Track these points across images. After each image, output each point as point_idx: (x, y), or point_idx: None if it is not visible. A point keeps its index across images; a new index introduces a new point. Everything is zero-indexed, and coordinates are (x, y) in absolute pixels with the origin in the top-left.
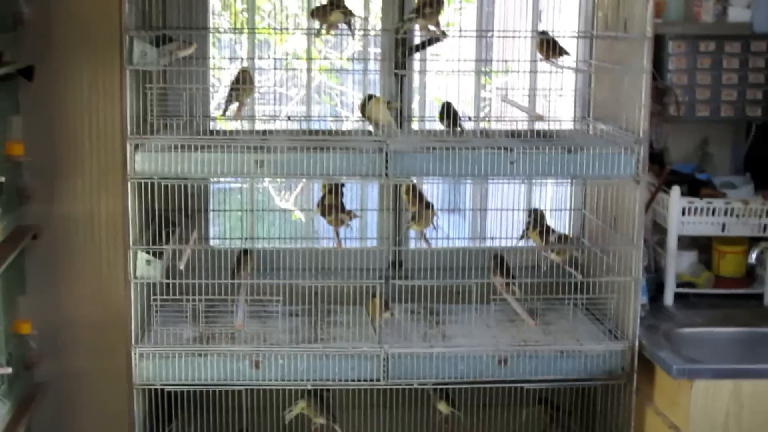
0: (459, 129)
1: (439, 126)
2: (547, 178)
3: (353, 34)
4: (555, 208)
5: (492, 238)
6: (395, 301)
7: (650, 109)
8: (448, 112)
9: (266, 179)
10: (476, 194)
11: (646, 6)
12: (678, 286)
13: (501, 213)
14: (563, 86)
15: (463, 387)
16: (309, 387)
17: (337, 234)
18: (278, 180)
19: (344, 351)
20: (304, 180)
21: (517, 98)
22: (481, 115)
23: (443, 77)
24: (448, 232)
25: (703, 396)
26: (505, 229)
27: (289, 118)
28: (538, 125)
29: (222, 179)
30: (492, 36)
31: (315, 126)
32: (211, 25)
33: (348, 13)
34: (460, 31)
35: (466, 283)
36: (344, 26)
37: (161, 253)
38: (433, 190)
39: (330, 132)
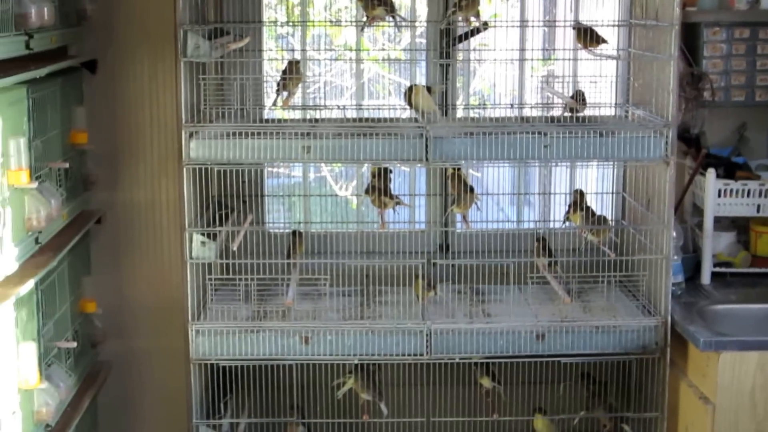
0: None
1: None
2: (581, 161)
3: (398, 27)
4: (598, 192)
5: (535, 221)
6: (442, 281)
7: (686, 94)
8: (582, 97)
9: (322, 167)
10: (539, 179)
11: None
12: (716, 265)
13: (552, 197)
14: (605, 73)
15: (502, 361)
16: (356, 361)
17: (382, 216)
18: (331, 166)
19: (390, 327)
20: (356, 167)
21: (560, 86)
22: (527, 101)
23: (490, 66)
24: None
25: (730, 367)
26: (551, 212)
27: (338, 107)
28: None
29: (276, 168)
30: (532, 26)
31: (365, 114)
32: (266, 18)
33: (391, 9)
34: (523, 21)
35: (505, 262)
36: (390, 18)
37: (216, 235)
38: (497, 175)
39: (376, 120)
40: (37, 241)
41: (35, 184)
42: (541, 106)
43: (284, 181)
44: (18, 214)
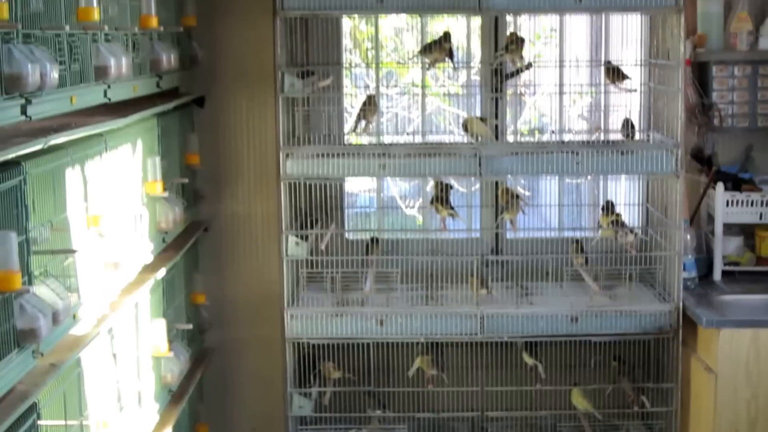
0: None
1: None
2: (606, 174)
3: (455, 67)
4: (627, 203)
5: (573, 229)
6: (494, 281)
7: (699, 121)
8: (629, 125)
9: (392, 188)
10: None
11: (679, 40)
12: (726, 264)
13: (590, 207)
14: (633, 103)
15: (543, 340)
16: (422, 340)
17: (443, 221)
18: (399, 187)
19: (450, 311)
20: (422, 185)
21: (593, 114)
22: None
23: (538, 98)
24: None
25: (729, 342)
26: (587, 220)
27: (407, 134)
28: (612, 136)
29: (357, 187)
30: (568, 66)
31: (429, 139)
32: (344, 61)
33: (449, 54)
34: (565, 61)
35: (545, 259)
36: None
37: (306, 237)
38: (549, 190)
39: (439, 144)
40: (163, 240)
41: (166, 194)
42: (575, 132)
43: (362, 203)
44: (152, 217)
